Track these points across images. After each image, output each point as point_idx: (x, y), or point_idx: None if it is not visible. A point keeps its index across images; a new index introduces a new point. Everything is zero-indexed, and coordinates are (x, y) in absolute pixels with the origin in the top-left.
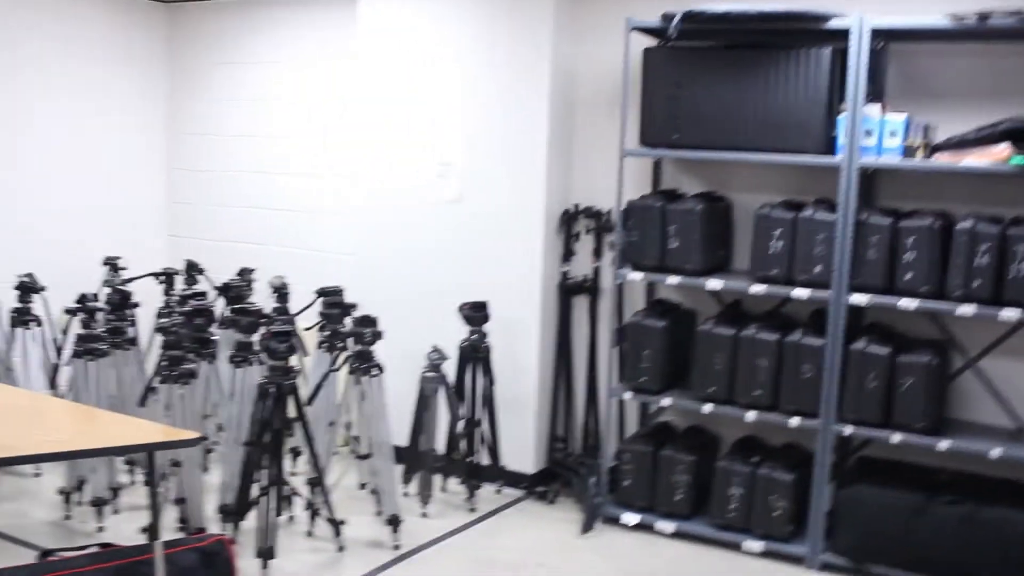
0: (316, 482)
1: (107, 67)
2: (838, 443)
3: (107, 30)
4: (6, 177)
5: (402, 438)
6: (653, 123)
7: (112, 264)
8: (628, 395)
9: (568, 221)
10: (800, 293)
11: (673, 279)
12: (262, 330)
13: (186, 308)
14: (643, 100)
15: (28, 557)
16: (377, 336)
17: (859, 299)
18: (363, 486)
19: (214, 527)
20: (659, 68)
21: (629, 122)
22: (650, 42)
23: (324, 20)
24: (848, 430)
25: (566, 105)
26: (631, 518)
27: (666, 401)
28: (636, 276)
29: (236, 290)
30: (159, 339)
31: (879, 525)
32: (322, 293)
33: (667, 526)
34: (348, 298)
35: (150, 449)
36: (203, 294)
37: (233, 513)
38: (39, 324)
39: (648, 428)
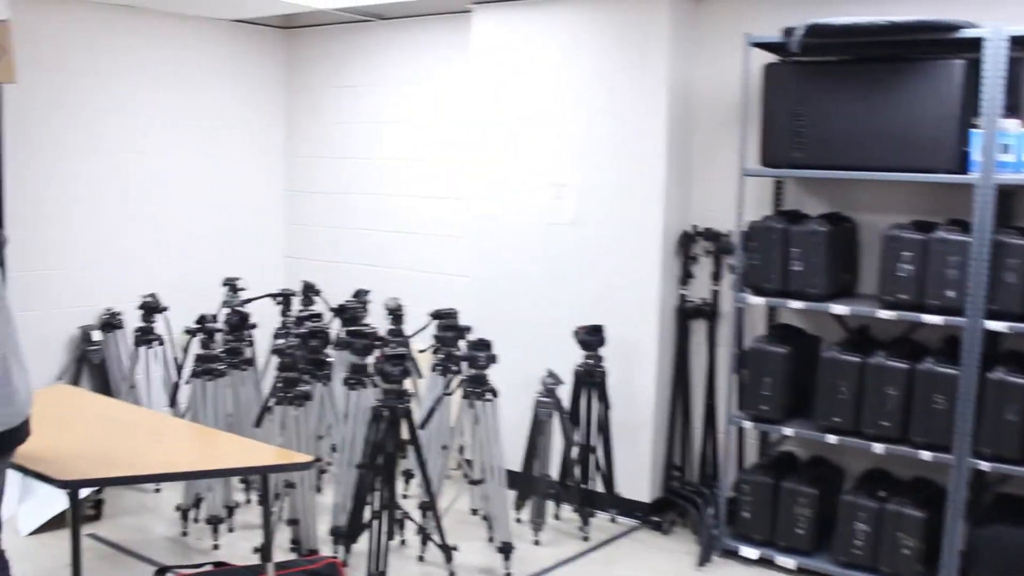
0: (428, 506)
1: (228, 92)
2: (973, 479)
3: (227, 56)
4: (131, 199)
5: (515, 463)
6: (774, 141)
7: (231, 284)
8: (748, 424)
9: (686, 243)
10: (932, 319)
11: (796, 304)
12: (376, 352)
13: (302, 330)
14: (763, 117)
15: (146, 572)
16: (491, 360)
17: (996, 326)
18: (475, 512)
19: (326, 549)
20: (780, 84)
21: (749, 141)
22: (770, 58)
23: (437, 42)
24: (984, 466)
25: (683, 123)
26: (751, 552)
27: (788, 431)
28: (757, 300)
29: (351, 311)
30: (275, 359)
31: (1019, 569)
32: (437, 315)
33: (788, 561)
34: (462, 320)
35: (264, 472)
36: (319, 315)
37: (345, 535)
38: (161, 343)
39: (769, 458)
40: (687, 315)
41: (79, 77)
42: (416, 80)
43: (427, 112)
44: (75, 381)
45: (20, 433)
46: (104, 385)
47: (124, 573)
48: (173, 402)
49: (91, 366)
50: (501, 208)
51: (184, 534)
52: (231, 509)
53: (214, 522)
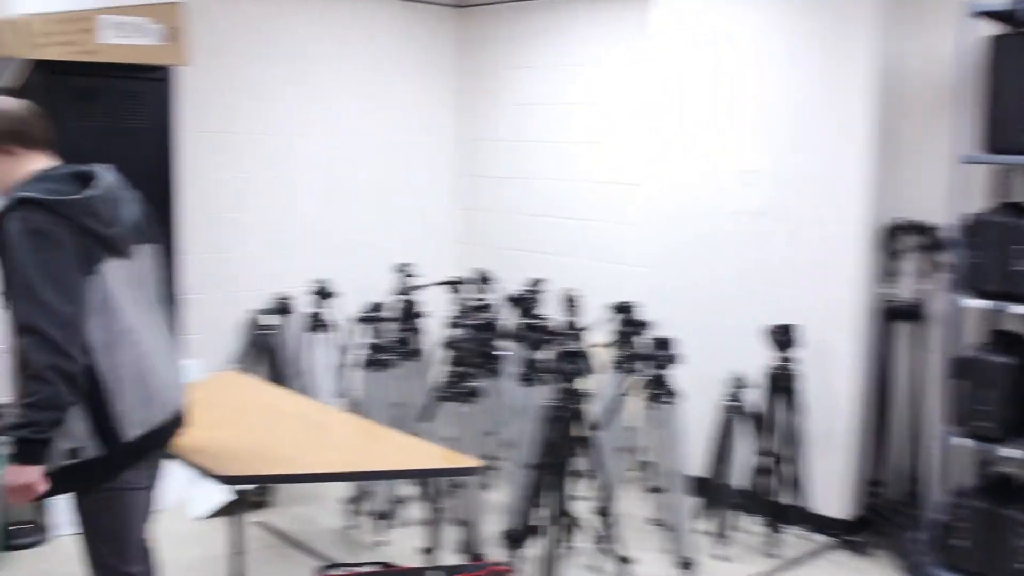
0: (604, 512)
1: (399, 73)
2: None
3: (399, 36)
4: (304, 182)
5: (697, 470)
6: (1001, 124)
7: (403, 271)
8: (963, 441)
9: (891, 237)
10: None
11: (1022, 308)
12: (552, 347)
13: (474, 321)
14: (988, 96)
15: (309, 564)
16: (674, 359)
17: None
18: (653, 521)
19: (494, 551)
20: (1010, 59)
21: (968, 123)
22: (997, 29)
23: (616, 21)
24: None
25: (888, 104)
26: None
27: (1011, 452)
28: (976, 303)
29: (526, 302)
30: (445, 351)
31: None
32: (619, 309)
33: None
34: (642, 315)
35: (429, 475)
36: (492, 305)
37: (515, 539)
38: (331, 330)
39: (984, 480)
40: (891, 316)
41: (251, 59)
42: (593, 60)
43: (604, 94)
44: (248, 366)
45: (163, 432)
46: (275, 370)
47: (287, 564)
48: (340, 391)
49: (263, 351)
50: (683, 196)
51: (350, 527)
52: (398, 503)
53: (380, 516)
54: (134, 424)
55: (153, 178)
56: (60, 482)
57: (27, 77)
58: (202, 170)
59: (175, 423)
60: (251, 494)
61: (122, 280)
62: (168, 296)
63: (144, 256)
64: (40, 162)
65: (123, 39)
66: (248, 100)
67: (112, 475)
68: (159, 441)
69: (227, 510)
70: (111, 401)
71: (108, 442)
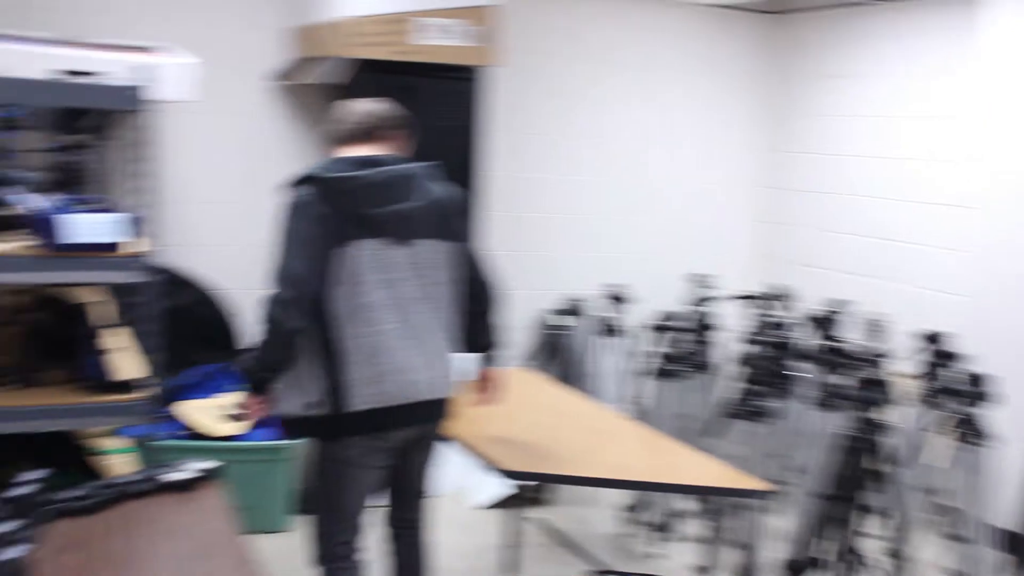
0: (896, 554)
1: (705, 80)
2: None
3: (706, 43)
4: (603, 185)
5: (1007, 522)
6: None
7: (699, 282)
8: None
9: None
10: None
11: None
12: (851, 372)
13: (770, 339)
14: None
15: (579, 566)
16: (990, 397)
17: None
18: (950, 572)
19: None
20: None
21: None
22: None
23: (944, 27)
24: None
25: None
26: None
27: None
28: None
29: (827, 323)
30: (736, 367)
31: None
32: (930, 339)
33: None
34: (955, 347)
35: (712, 493)
36: (790, 324)
37: (795, 570)
38: (623, 335)
39: None
40: None
41: (557, 62)
42: (921, 70)
43: (936, 106)
44: (541, 365)
45: (396, 416)
46: (565, 372)
47: (558, 563)
48: (627, 398)
49: (554, 351)
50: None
51: (625, 535)
52: (675, 517)
53: (657, 528)
54: (362, 397)
55: (461, 176)
56: (296, 429)
57: (352, 75)
58: (506, 169)
59: (416, 412)
60: (530, 490)
61: (378, 260)
62: (457, 293)
63: (427, 248)
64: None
65: (438, 40)
66: (552, 102)
67: (336, 437)
68: (390, 423)
69: (505, 503)
70: (344, 369)
71: (336, 406)
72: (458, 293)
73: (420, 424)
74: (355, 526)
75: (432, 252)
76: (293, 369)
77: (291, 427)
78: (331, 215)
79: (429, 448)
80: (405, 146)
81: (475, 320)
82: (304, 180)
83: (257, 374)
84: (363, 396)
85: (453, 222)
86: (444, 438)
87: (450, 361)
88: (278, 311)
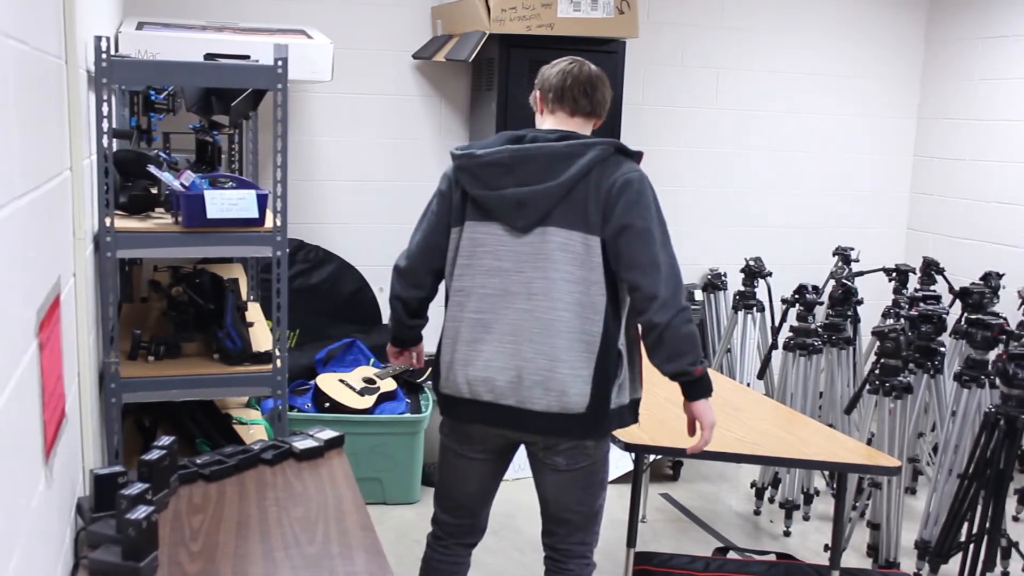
0: None
1: (855, 45)
2: None
3: (856, 7)
4: (745, 156)
5: None
6: None
7: (843, 255)
8: None
9: None
10: None
11: None
12: (1000, 348)
13: (911, 312)
14: None
15: (708, 544)
16: None
17: None
18: None
19: (908, 562)
20: None
21: None
22: None
23: None
24: None
25: None
26: None
27: None
28: None
29: (976, 297)
30: (879, 342)
31: None
32: None
33: None
34: None
35: (843, 470)
36: (937, 298)
37: (933, 553)
38: (760, 310)
39: None
40: None
41: (699, 31)
42: None
43: None
44: None
45: (473, 409)
46: (701, 345)
47: (686, 539)
48: (762, 373)
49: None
50: None
51: (756, 513)
52: (809, 496)
53: (789, 507)
54: (444, 380)
55: None
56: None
57: (482, 50)
58: (644, 141)
59: (498, 414)
60: (663, 466)
61: (483, 245)
62: (594, 294)
63: (553, 238)
64: (548, 122)
65: (578, 13)
66: (691, 73)
67: (442, 414)
68: (465, 415)
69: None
70: (440, 349)
71: (435, 384)
72: (596, 294)
73: (509, 428)
74: (449, 510)
75: (559, 243)
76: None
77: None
78: (449, 193)
79: (556, 468)
80: (593, 116)
81: (645, 337)
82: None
83: (392, 330)
84: (444, 379)
85: (602, 211)
86: (583, 460)
87: (571, 372)
88: (392, 278)
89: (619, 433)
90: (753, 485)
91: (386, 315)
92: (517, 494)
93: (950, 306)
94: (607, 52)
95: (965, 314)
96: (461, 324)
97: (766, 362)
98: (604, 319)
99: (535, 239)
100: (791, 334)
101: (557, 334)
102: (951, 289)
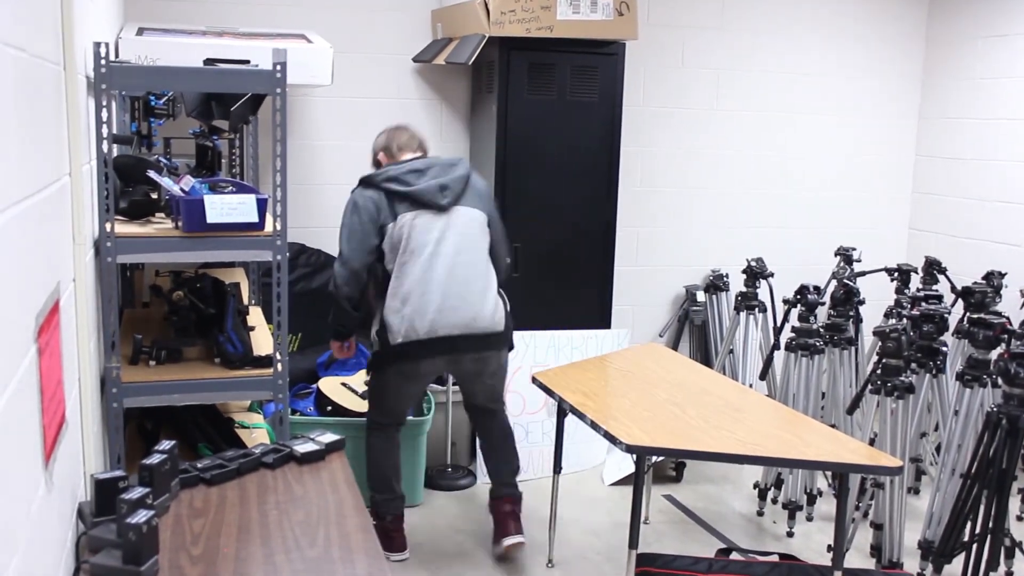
0: None
1: (855, 45)
2: None
3: (857, 6)
4: (746, 157)
5: None
6: None
7: (845, 255)
8: None
9: None
10: None
11: None
12: (1002, 347)
13: (913, 312)
14: None
15: (711, 545)
16: None
17: None
18: None
19: (911, 563)
20: None
21: None
22: None
23: None
24: None
25: None
26: None
27: None
28: None
29: (979, 296)
30: (880, 342)
31: None
32: None
33: None
34: None
35: (846, 470)
36: (939, 297)
37: (936, 553)
38: (762, 310)
39: None
40: None
41: (702, 32)
42: None
43: None
44: (676, 339)
45: (433, 344)
46: (704, 347)
47: (689, 540)
48: (764, 374)
49: (692, 326)
50: None
51: (759, 513)
52: (812, 497)
53: (791, 508)
54: (399, 334)
55: (598, 150)
56: (373, 360)
57: (482, 53)
58: (644, 143)
59: (459, 339)
60: (665, 467)
61: (420, 225)
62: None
63: (460, 215)
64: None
65: (578, 15)
66: (693, 74)
67: (387, 365)
68: (428, 350)
69: (637, 480)
70: (387, 314)
71: (382, 343)
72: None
73: (461, 349)
74: (396, 416)
75: (468, 221)
76: None
77: (372, 359)
78: (374, 202)
79: (490, 369)
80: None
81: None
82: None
83: (334, 327)
84: (399, 333)
85: (477, 198)
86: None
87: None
88: (337, 286)
89: (620, 435)
90: (756, 486)
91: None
92: None
93: (952, 305)
94: (607, 54)
95: (967, 313)
96: (417, 284)
97: (768, 363)
98: None
99: (458, 219)
100: (793, 335)
101: (482, 279)
102: (953, 288)
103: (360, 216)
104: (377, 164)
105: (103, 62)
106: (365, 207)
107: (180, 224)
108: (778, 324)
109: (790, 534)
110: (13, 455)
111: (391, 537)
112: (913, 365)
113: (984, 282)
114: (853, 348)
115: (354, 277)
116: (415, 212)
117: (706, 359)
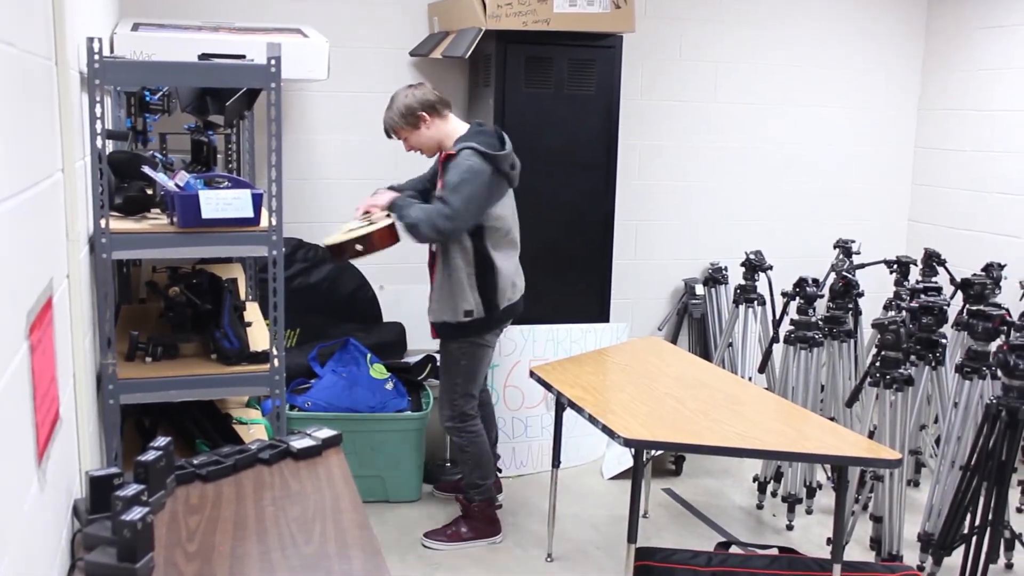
0: None
1: (856, 38)
2: None
3: None
4: (746, 151)
5: None
6: None
7: (844, 247)
8: None
9: None
10: None
11: None
12: (1001, 339)
13: (912, 304)
14: None
15: (711, 538)
16: None
17: None
18: None
19: (910, 555)
20: None
21: None
22: None
23: None
24: None
25: None
26: None
27: None
28: None
29: (978, 288)
30: (880, 334)
31: None
32: None
33: None
34: None
35: (845, 463)
36: (938, 289)
37: (935, 545)
38: (761, 303)
39: None
40: None
41: (700, 24)
42: None
43: None
44: (675, 333)
45: (515, 309)
46: (703, 340)
47: (689, 535)
48: (763, 367)
49: (692, 320)
50: None
51: (759, 507)
52: (811, 490)
53: (791, 501)
54: (504, 300)
55: (596, 144)
56: (470, 329)
57: (479, 46)
58: (642, 136)
59: (521, 305)
60: (665, 461)
61: (511, 204)
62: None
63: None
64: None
65: (575, 8)
66: (693, 67)
67: (486, 331)
68: (511, 315)
69: (636, 474)
70: (496, 281)
71: (488, 308)
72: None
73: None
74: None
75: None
76: None
77: (453, 329)
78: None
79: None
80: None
81: None
82: (475, 152)
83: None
84: (505, 299)
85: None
86: None
87: None
88: (437, 228)
89: (619, 429)
90: (755, 479)
91: (385, 313)
92: (518, 491)
93: (951, 297)
94: (604, 47)
95: (966, 305)
96: (512, 257)
97: (767, 356)
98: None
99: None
100: (792, 327)
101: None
102: (952, 280)
103: (485, 191)
104: (416, 120)
105: (97, 58)
106: (489, 186)
107: (175, 220)
108: (777, 317)
109: (790, 527)
110: (4, 453)
111: (494, 521)
112: (912, 357)
113: (983, 274)
114: (852, 340)
115: (454, 235)
116: (509, 192)
117: (705, 352)
